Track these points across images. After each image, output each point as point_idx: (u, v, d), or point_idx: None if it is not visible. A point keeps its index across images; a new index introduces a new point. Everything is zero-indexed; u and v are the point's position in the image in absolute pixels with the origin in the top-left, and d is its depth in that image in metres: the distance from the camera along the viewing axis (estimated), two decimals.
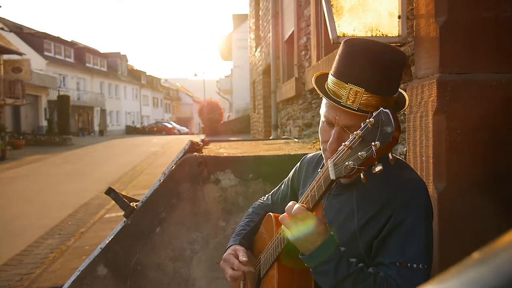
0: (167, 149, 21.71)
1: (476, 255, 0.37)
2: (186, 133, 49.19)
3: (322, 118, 1.39)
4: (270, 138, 7.76)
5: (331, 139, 1.32)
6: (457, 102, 1.93)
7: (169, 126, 50.72)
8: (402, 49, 2.54)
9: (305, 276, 1.42)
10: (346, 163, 1.05)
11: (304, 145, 3.72)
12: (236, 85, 28.09)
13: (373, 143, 0.99)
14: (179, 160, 2.66)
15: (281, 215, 1.26)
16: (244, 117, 22.05)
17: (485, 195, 1.94)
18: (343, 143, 1.09)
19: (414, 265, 1.24)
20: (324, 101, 1.38)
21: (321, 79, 1.42)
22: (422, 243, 1.27)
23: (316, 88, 1.39)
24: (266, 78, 9.73)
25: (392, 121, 0.99)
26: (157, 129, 49.00)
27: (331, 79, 1.35)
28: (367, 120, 1.03)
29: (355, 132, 1.05)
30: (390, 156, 1.02)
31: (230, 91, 32.58)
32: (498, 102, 1.94)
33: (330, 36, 2.22)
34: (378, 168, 1.02)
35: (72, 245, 5.95)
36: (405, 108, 1.39)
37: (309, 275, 1.43)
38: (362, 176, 1.04)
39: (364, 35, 2.20)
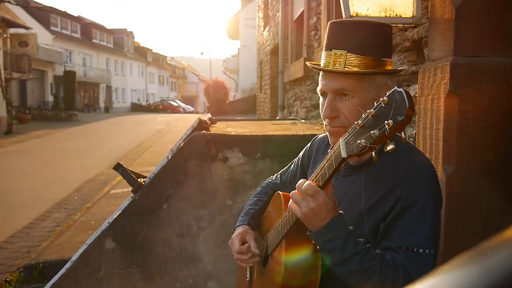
0: (172, 127, 21.74)
1: (465, 255, 0.37)
2: (192, 112, 49.14)
3: (319, 94, 1.42)
4: (277, 118, 7.75)
5: (325, 106, 1.35)
6: (470, 85, 1.91)
7: (175, 104, 50.67)
8: (415, 30, 2.50)
9: (313, 254, 1.43)
10: (358, 141, 1.04)
11: (312, 126, 3.71)
12: (242, 65, 27.88)
13: (386, 122, 0.99)
14: (187, 137, 2.67)
15: (291, 192, 1.26)
16: (250, 97, 21.97)
17: (495, 180, 1.93)
18: (355, 122, 1.08)
19: (421, 250, 1.23)
20: (319, 78, 1.41)
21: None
22: (429, 228, 1.26)
23: (308, 64, 1.46)
24: (274, 58, 9.65)
25: (406, 99, 0.98)
26: (162, 107, 48.97)
27: (322, 54, 1.39)
28: (381, 99, 1.02)
29: (368, 111, 1.04)
30: (403, 135, 1.01)
31: (236, 71, 32.37)
32: (510, 87, 1.92)
33: (343, 15, 2.19)
34: (390, 147, 1.01)
35: (78, 219, 6.02)
36: (400, 71, 1.42)
37: (317, 252, 1.44)
38: (374, 154, 1.04)
39: (378, 15, 2.17)
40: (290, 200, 1.27)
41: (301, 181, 1.25)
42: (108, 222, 2.62)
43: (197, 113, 47.38)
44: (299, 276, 1.41)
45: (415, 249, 1.24)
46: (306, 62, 1.51)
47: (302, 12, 6.24)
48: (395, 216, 1.27)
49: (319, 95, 1.42)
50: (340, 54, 1.31)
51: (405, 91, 1.00)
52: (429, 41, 2.19)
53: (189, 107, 54.26)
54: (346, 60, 1.30)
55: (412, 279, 1.20)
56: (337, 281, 1.43)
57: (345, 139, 1.10)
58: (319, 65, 1.39)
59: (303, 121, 4.47)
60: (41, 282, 3.96)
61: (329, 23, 1.40)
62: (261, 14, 12.25)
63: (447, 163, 1.94)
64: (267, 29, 10.80)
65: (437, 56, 2.07)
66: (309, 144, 1.73)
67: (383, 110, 1.01)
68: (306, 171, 1.69)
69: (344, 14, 2.18)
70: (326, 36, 1.38)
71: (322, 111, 1.40)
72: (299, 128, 3.45)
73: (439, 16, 2.05)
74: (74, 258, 2.63)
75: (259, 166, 2.63)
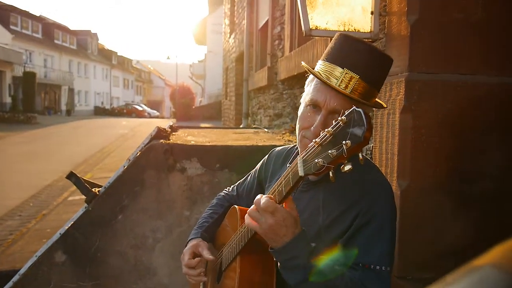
0: (137, 132, 21.37)
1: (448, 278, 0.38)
2: (157, 117, 48.51)
3: (307, 103, 1.35)
4: (241, 126, 7.74)
5: (317, 122, 1.29)
6: (424, 101, 1.95)
7: (140, 108, 49.91)
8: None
9: (267, 271, 1.42)
10: (316, 160, 1.03)
11: (274, 136, 3.71)
12: (209, 71, 27.78)
13: (344, 142, 0.98)
14: (144, 146, 2.61)
15: (249, 208, 1.22)
16: (216, 103, 21.91)
17: (447, 194, 1.98)
18: (313, 140, 1.07)
19: (377, 267, 1.24)
20: (312, 85, 1.36)
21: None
22: (386, 245, 1.27)
23: (307, 68, 1.36)
24: (239, 66, 9.66)
25: (365, 121, 0.97)
26: (126, 111, 48.13)
27: (322, 64, 1.33)
28: (339, 118, 1.01)
29: (326, 130, 1.03)
30: (360, 156, 1.01)
31: (203, 76, 32.24)
32: (463, 103, 1.97)
33: (303, 28, 2.20)
34: (348, 168, 1.00)
35: (33, 227, 5.79)
36: (383, 107, 1.40)
37: (271, 270, 1.42)
38: (331, 174, 1.03)
39: (337, 29, 2.19)
40: (247, 216, 1.23)
41: (258, 196, 1.21)
42: (60, 234, 2.52)
43: (163, 117, 46.81)
44: None
45: (372, 266, 1.24)
46: (304, 65, 1.39)
47: (267, 21, 6.28)
48: (353, 233, 1.28)
49: (304, 104, 1.37)
50: (352, 76, 1.26)
51: (363, 111, 0.99)
52: None
53: (155, 111, 53.57)
54: (354, 84, 1.26)
55: None
56: None
57: (303, 157, 1.08)
58: (317, 72, 1.33)
59: (266, 130, 4.47)
60: None
61: (338, 34, 1.35)
62: (227, 21, 12.25)
63: (402, 177, 1.97)
64: (233, 36, 10.81)
65: (393, 71, 2.10)
66: (266, 157, 1.72)
67: (341, 130, 1.00)
68: (263, 185, 1.67)
69: (303, 27, 2.19)
70: (333, 46, 1.33)
71: (303, 122, 1.35)
72: (261, 137, 3.44)
73: (395, 32, 2.10)
74: (22, 270, 2.52)
75: (217, 177, 2.60)
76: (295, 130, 1.46)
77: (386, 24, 2.22)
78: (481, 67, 1.99)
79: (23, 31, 36.59)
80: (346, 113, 1.01)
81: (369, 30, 2.20)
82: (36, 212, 6.74)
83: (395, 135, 1.99)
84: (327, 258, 1.22)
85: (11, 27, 34.18)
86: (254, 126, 6.52)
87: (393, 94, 2.05)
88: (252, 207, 1.21)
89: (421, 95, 1.95)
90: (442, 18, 1.98)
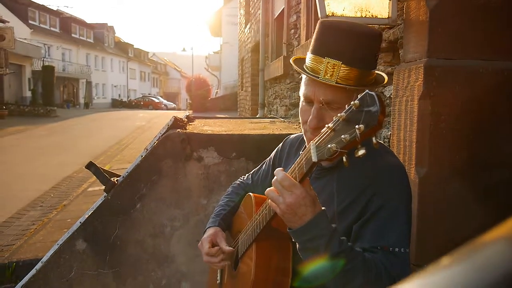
0: (153, 124, 21.53)
1: (448, 258, 0.35)
2: (173, 109, 48.76)
3: (302, 98, 1.37)
4: (257, 116, 7.73)
5: (310, 116, 1.29)
6: (443, 87, 1.91)
7: (156, 100, 50.23)
8: (391, 31, 2.51)
9: (284, 258, 1.42)
10: (329, 145, 1.02)
11: (290, 125, 3.70)
12: (225, 62, 27.75)
13: (357, 126, 0.96)
14: (161, 136, 2.62)
15: (267, 189, 1.20)
16: (232, 94, 21.91)
17: (466, 181, 1.95)
18: (326, 125, 1.05)
19: (396, 249, 1.22)
20: (303, 80, 1.37)
21: (299, 61, 1.41)
22: (403, 227, 1.26)
23: (293, 65, 1.38)
24: (255, 56, 9.63)
25: (378, 104, 0.95)
26: (143, 104, 48.50)
27: (309, 56, 1.33)
28: (352, 102, 0.99)
29: (338, 114, 1.02)
30: (374, 140, 0.99)
31: (218, 68, 32.22)
32: (483, 90, 1.93)
33: (319, 15, 2.18)
34: (361, 152, 0.99)
35: (54, 217, 5.90)
36: (383, 83, 1.38)
37: (287, 257, 1.42)
38: (344, 159, 1.01)
39: (354, 15, 2.16)
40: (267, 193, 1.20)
41: (276, 171, 1.18)
42: (80, 222, 2.56)
43: (179, 109, 47.06)
44: (270, 280, 1.40)
45: (391, 248, 1.22)
46: (292, 63, 1.42)
47: (283, 10, 6.23)
48: (368, 217, 1.26)
49: (301, 98, 1.38)
50: (334, 64, 1.24)
51: (376, 94, 0.97)
52: (404, 43, 2.19)
53: (171, 103, 53.86)
54: (339, 72, 1.24)
55: (395, 278, 1.19)
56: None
57: (316, 143, 1.07)
58: (305, 66, 1.34)
59: (282, 119, 4.46)
60: (14, 282, 3.85)
61: (319, 22, 1.33)
62: (242, 11, 12.19)
63: (420, 164, 1.95)
64: (248, 26, 10.76)
65: (411, 57, 2.07)
66: (280, 145, 1.71)
67: (354, 114, 0.99)
68: None
69: (320, 14, 2.16)
70: (315, 37, 1.32)
71: (302, 116, 1.36)
72: (277, 127, 3.44)
73: (414, 17, 2.06)
74: (44, 258, 2.57)
75: (234, 166, 2.61)
76: None
77: (404, 10, 2.18)
78: (502, 52, 1.95)
79: (41, 25, 37.05)
80: (359, 97, 0.99)
81: (387, 16, 2.17)
82: (56, 202, 6.87)
83: (414, 122, 1.96)
84: (347, 240, 1.20)
85: (30, 21, 34.64)
86: (270, 116, 6.51)
87: (411, 81, 2.02)
88: (270, 188, 1.19)
89: (441, 81, 1.91)
90: (462, 2, 1.93)
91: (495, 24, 1.94)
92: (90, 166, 2.54)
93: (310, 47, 1.34)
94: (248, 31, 10.70)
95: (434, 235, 1.96)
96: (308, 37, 4.65)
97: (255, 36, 9.17)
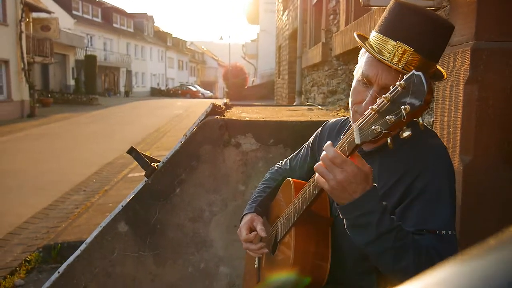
0: (191, 112, 21.83)
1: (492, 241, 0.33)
2: (210, 97, 49.21)
3: (359, 77, 1.32)
4: (294, 104, 7.68)
5: (367, 99, 1.25)
6: (491, 71, 1.83)
7: (194, 89, 50.83)
8: None
9: (323, 242, 1.41)
10: (373, 127, 0.99)
11: (328, 113, 3.65)
12: (261, 50, 27.66)
13: (403, 107, 0.94)
14: (200, 122, 2.65)
15: (316, 164, 1.16)
16: (269, 83, 21.85)
17: None
18: (370, 107, 1.03)
19: (443, 232, 1.19)
20: (364, 58, 1.31)
21: (360, 38, 1.35)
22: (448, 208, 1.22)
23: (359, 41, 1.31)
24: (293, 43, 9.54)
25: (425, 83, 0.93)
26: (181, 92, 49.19)
27: (375, 35, 1.28)
28: (398, 83, 0.97)
29: (383, 96, 0.99)
30: (421, 121, 0.97)
31: (255, 56, 32.17)
32: None
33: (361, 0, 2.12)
34: (407, 133, 0.96)
35: (96, 201, 6.11)
36: (444, 78, 1.32)
37: (326, 241, 1.41)
38: (389, 141, 0.99)
39: None
40: (316, 174, 1.17)
41: (326, 147, 1.13)
42: (122, 206, 2.63)
43: (216, 98, 47.41)
44: (309, 264, 1.39)
45: (437, 231, 1.19)
46: (356, 37, 1.33)
47: None
48: (411, 200, 1.24)
49: (356, 78, 1.33)
50: (405, 49, 1.19)
51: (423, 74, 0.94)
52: None
53: (208, 92, 54.37)
54: (408, 58, 1.20)
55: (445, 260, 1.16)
56: (348, 269, 1.41)
57: (359, 125, 1.05)
58: (368, 44, 1.27)
59: (319, 107, 4.41)
60: (59, 262, 4.04)
61: (393, 2, 1.26)
62: None
63: (465, 152, 1.88)
64: (286, 13, 10.66)
65: (457, 41, 1.99)
66: (319, 129, 1.69)
67: (400, 95, 0.96)
68: (317, 157, 1.65)
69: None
70: (387, 17, 1.26)
71: (355, 96, 1.32)
72: (315, 114, 3.40)
73: None
74: (88, 240, 2.66)
75: (272, 152, 2.60)
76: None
77: None
78: None
79: (84, 15, 38.09)
80: (405, 78, 0.97)
81: None
82: (98, 187, 7.11)
83: (459, 108, 1.89)
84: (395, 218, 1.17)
85: (73, 12, 35.68)
86: (307, 103, 6.45)
87: (457, 65, 1.94)
88: (318, 163, 1.15)
89: (488, 65, 1.83)
90: None
91: None
92: (131, 151, 2.60)
93: (378, 26, 1.28)
94: (286, 18, 10.60)
95: (479, 225, 1.89)
96: (347, 22, 4.55)
97: (293, 23, 9.08)
